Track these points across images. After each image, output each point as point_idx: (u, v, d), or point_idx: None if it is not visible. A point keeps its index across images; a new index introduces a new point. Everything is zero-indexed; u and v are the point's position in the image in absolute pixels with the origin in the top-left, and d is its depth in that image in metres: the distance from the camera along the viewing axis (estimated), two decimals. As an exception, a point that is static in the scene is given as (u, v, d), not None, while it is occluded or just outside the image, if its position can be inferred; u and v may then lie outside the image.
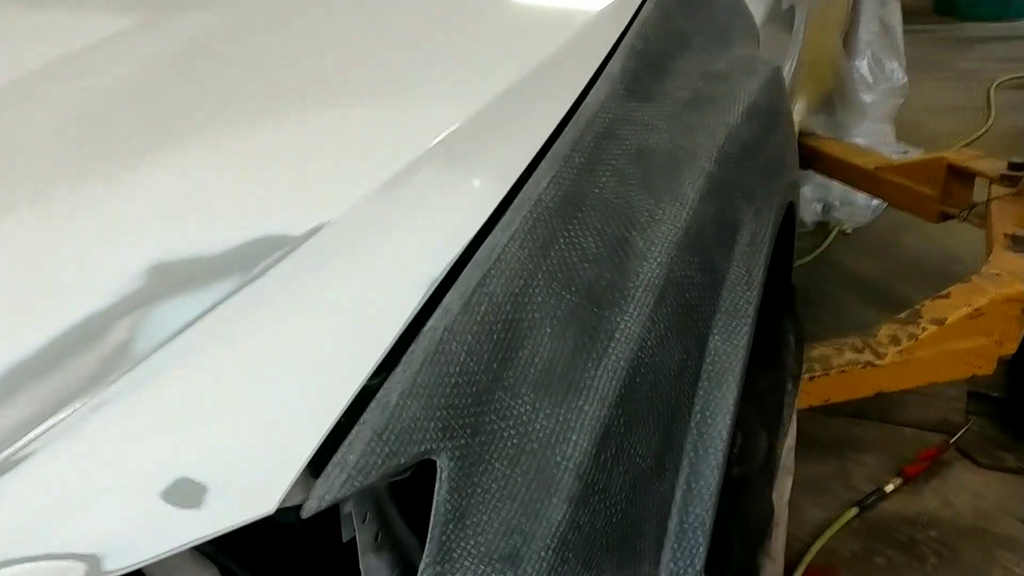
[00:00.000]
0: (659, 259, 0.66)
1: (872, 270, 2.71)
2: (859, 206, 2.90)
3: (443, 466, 0.51)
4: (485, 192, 0.64)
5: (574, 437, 0.57)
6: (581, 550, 0.55)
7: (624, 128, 0.73)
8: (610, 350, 0.61)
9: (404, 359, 0.53)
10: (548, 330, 0.59)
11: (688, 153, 0.75)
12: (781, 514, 0.95)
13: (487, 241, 0.60)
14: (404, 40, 0.79)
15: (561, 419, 0.57)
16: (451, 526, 0.51)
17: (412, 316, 0.55)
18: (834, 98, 2.71)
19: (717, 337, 0.69)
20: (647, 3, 0.90)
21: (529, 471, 0.55)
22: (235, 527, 0.45)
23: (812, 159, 2.49)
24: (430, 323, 0.55)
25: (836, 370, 1.48)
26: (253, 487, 0.46)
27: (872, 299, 2.54)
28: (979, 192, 2.07)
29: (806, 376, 1.47)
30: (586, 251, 0.64)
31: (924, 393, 1.87)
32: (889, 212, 2.83)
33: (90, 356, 0.51)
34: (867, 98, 2.94)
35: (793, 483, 1.79)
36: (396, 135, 0.67)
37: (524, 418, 0.56)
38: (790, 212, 1.00)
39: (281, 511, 0.47)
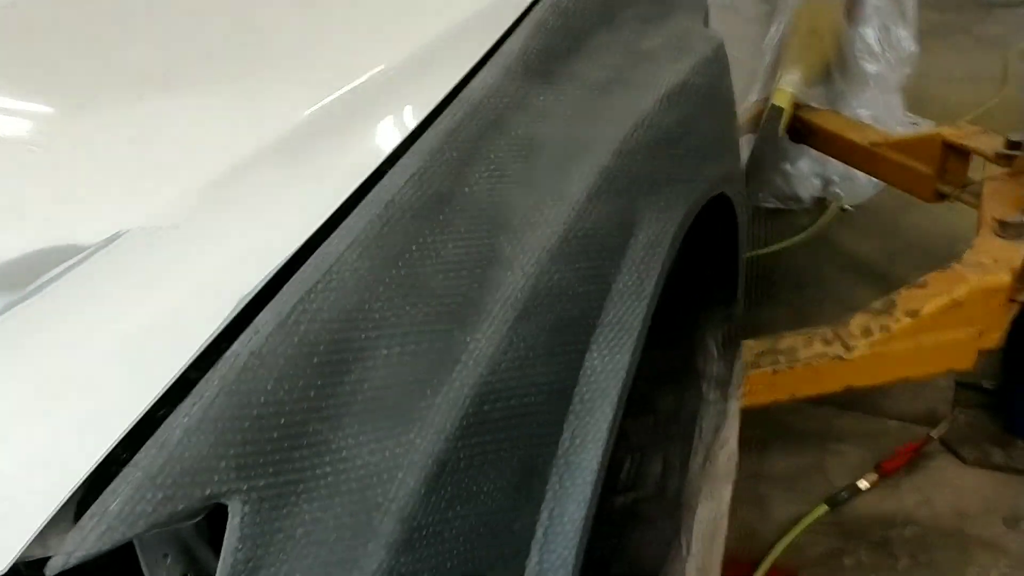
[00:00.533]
0: (527, 269, 0.59)
1: (872, 250, 2.60)
2: (859, 182, 2.77)
3: (234, 511, 0.45)
4: (324, 193, 0.57)
5: (401, 475, 0.50)
6: None
7: (515, 117, 0.66)
8: (455, 375, 0.54)
9: (196, 389, 0.46)
10: (384, 352, 0.52)
11: (584, 145, 0.67)
12: (719, 525, 0.88)
13: (319, 250, 0.54)
14: (253, 18, 0.72)
15: (388, 454, 0.50)
16: (241, 578, 0.45)
17: (212, 338, 0.48)
18: (832, 67, 2.58)
19: (596, 355, 0.61)
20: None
21: (344, 514, 0.48)
22: None
23: (805, 133, 2.38)
24: (233, 347, 0.48)
25: (802, 363, 1.40)
26: None
27: (870, 281, 2.43)
28: (977, 171, 1.96)
29: (769, 370, 1.39)
30: (444, 260, 0.57)
31: (914, 383, 1.79)
32: (891, 188, 2.72)
33: None
34: (871, 68, 2.80)
35: (765, 478, 1.73)
36: (228, 129, 0.60)
37: (344, 453, 0.49)
38: (731, 204, 0.92)
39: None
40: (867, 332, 1.41)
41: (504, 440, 0.55)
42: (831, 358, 1.40)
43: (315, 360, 0.50)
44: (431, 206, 0.58)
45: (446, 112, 0.64)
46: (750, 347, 1.43)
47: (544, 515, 0.58)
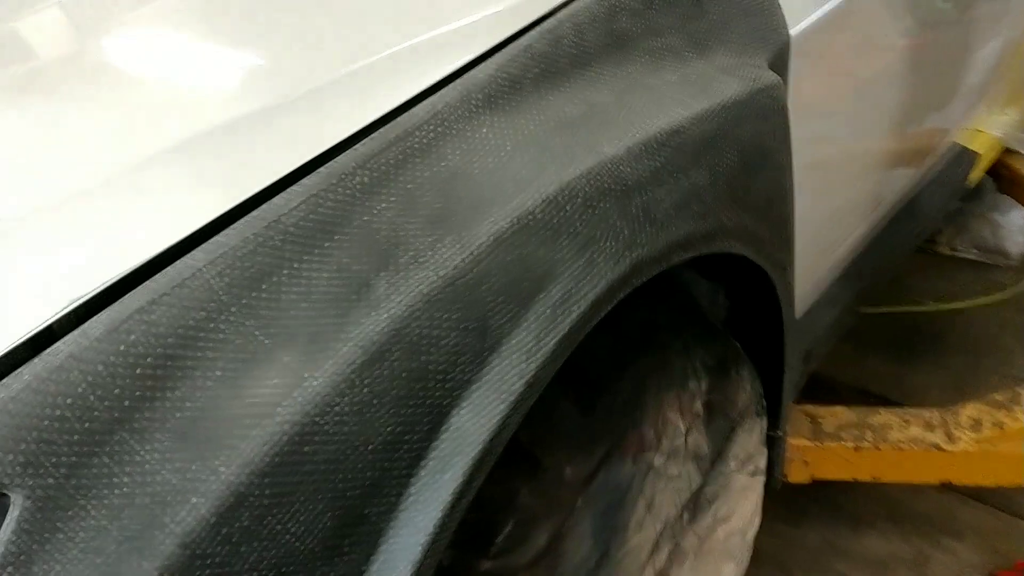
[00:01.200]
0: (394, 312, 0.56)
1: (1073, 324, 2.25)
2: (1078, 244, 2.41)
3: (15, 504, 0.47)
4: (196, 207, 0.57)
5: (194, 500, 0.50)
6: None
7: (451, 146, 0.63)
8: (278, 410, 0.53)
9: (5, 380, 0.49)
10: (218, 374, 0.52)
11: (515, 185, 0.63)
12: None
13: (178, 263, 0.54)
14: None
15: (189, 477, 0.51)
16: (10, 569, 0.47)
17: (29, 336, 0.50)
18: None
19: (465, 412, 0.58)
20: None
21: (130, 528, 0.49)
22: None
23: (1009, 183, 2.09)
24: (55, 345, 0.50)
25: (892, 445, 1.24)
26: None
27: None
28: None
29: (850, 445, 1.25)
30: (311, 290, 0.56)
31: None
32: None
33: None
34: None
35: (852, 557, 1.56)
36: (125, 134, 0.62)
37: (146, 467, 0.50)
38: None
39: None
40: (977, 425, 1.23)
41: (324, 484, 0.54)
42: (927, 446, 1.23)
43: (138, 371, 0.50)
44: (317, 232, 0.57)
45: (377, 133, 0.62)
46: (835, 414, 1.29)
47: (373, 568, 0.56)
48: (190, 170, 0.59)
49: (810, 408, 1.33)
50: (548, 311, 0.61)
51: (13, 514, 0.47)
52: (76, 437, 0.48)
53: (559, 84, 0.71)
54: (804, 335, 1.33)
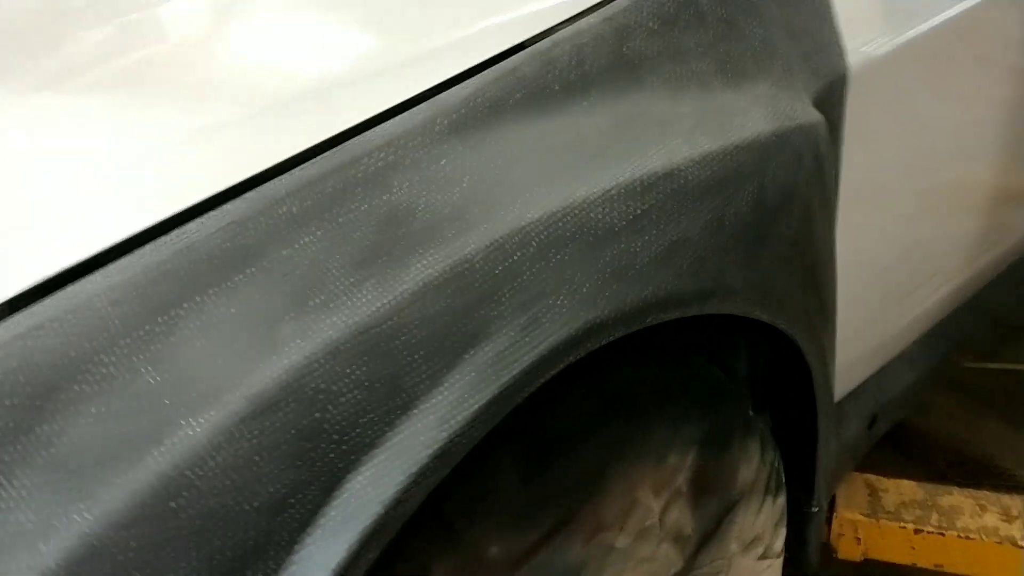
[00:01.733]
0: (293, 359, 0.51)
1: None
2: None
3: None
4: (106, 224, 0.54)
5: (43, 547, 0.47)
6: None
7: (399, 178, 0.57)
8: (148, 458, 0.48)
9: None
10: (93, 411, 0.49)
11: (462, 226, 0.56)
12: None
13: (75, 285, 0.51)
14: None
15: (44, 521, 0.47)
16: None
17: None
18: None
19: (363, 478, 0.52)
20: (608, 8, 0.69)
21: None
22: None
23: None
24: None
25: (959, 533, 1.09)
26: None
27: None
28: None
29: (910, 527, 1.11)
30: (211, 327, 0.51)
31: None
32: None
33: None
34: None
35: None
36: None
37: (4, 504, 0.47)
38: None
39: None
40: (1064, 524, 1.06)
41: (195, 543, 0.49)
42: (1000, 539, 1.08)
43: (7, 402, 0.47)
44: (231, 263, 0.52)
45: (320, 157, 0.57)
46: (900, 489, 1.15)
47: None
48: (109, 185, 0.55)
49: (872, 479, 1.19)
50: (473, 374, 0.54)
51: None
52: None
53: (546, 112, 0.63)
54: (871, 397, 1.20)
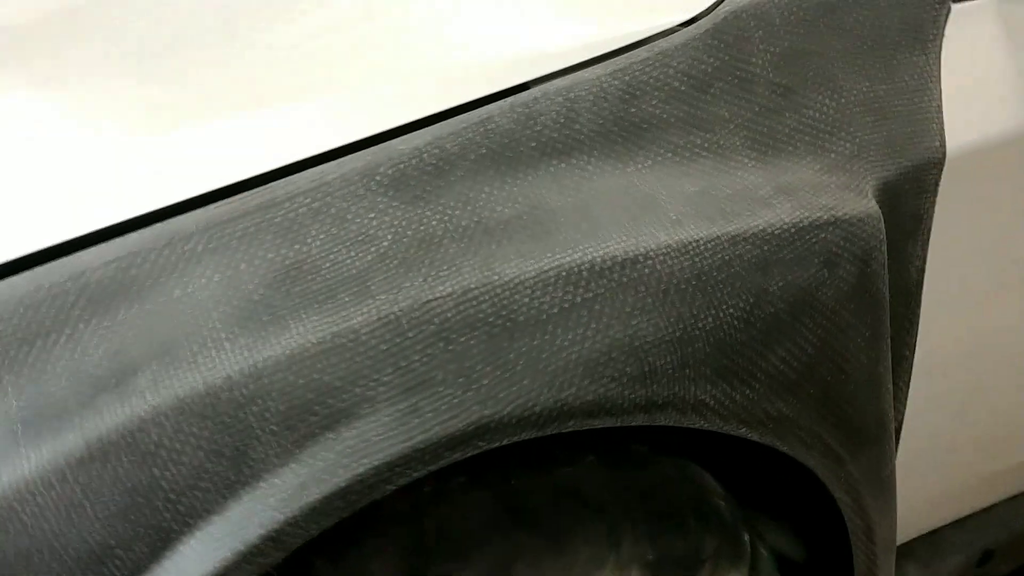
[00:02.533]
0: (136, 410, 0.49)
1: None
2: None
3: None
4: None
5: None
6: None
7: (318, 229, 0.53)
8: None
9: None
10: None
11: (360, 293, 0.52)
12: None
13: None
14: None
15: None
16: None
17: None
18: None
19: (194, 545, 0.49)
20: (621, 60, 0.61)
21: None
22: None
23: None
24: None
25: None
26: None
27: None
28: None
29: None
30: (80, 363, 0.50)
31: None
32: None
33: None
34: None
35: None
36: None
37: None
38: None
39: None
40: None
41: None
42: None
43: None
44: (117, 298, 0.51)
45: (243, 195, 0.54)
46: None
47: None
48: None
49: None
50: (328, 458, 0.49)
51: None
52: None
53: (507, 174, 0.56)
54: (985, 529, 1.01)
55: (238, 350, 0.50)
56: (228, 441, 0.48)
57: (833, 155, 0.63)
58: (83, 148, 0.59)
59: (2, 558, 0.47)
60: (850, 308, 0.61)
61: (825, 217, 0.60)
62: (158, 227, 0.53)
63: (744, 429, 0.59)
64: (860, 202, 0.62)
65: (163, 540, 0.48)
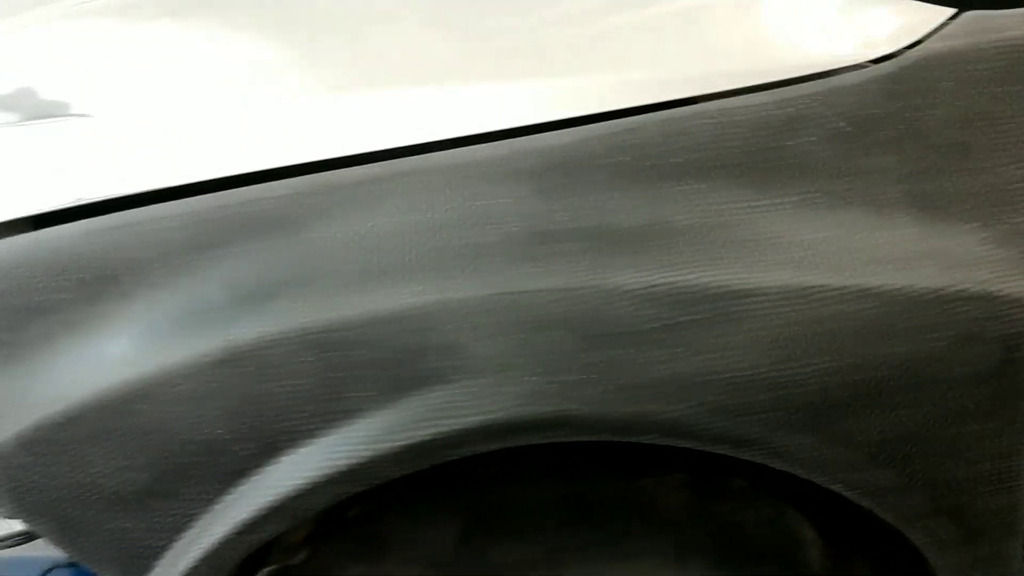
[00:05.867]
0: (266, 329, 0.57)
1: None
2: None
3: None
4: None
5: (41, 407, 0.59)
6: None
7: (449, 200, 0.58)
8: (140, 362, 0.58)
9: None
10: (134, 309, 0.60)
11: (470, 270, 0.56)
12: None
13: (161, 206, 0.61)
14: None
15: (27, 396, 0.60)
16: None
17: None
18: None
19: (293, 457, 0.56)
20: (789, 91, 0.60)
21: None
22: None
23: None
24: None
25: None
26: None
27: None
28: None
29: None
30: (229, 273, 0.59)
31: None
32: None
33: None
34: None
35: None
36: None
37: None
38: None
39: None
40: None
41: (141, 442, 0.58)
42: None
43: (82, 276, 0.60)
44: (272, 229, 0.59)
45: (387, 163, 0.60)
46: None
47: (174, 547, 0.59)
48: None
49: None
50: (419, 412, 0.53)
51: None
52: (23, 303, 0.59)
53: (644, 184, 0.57)
54: None
55: (360, 297, 0.55)
56: (335, 376, 0.54)
57: (1006, 227, 0.59)
58: (284, 95, 0.66)
59: (142, 426, 0.56)
60: (982, 392, 0.57)
61: (974, 291, 0.56)
62: (318, 176, 0.59)
63: (838, 486, 0.58)
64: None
65: (269, 448, 0.56)
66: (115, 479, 0.57)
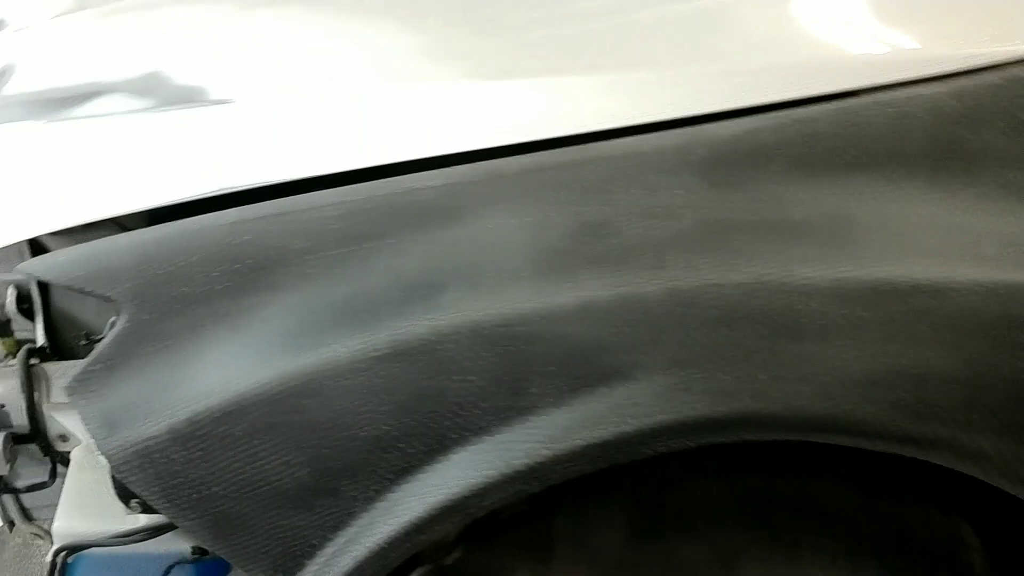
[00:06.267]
0: (438, 323, 0.56)
1: None
2: None
3: (120, 320, 0.60)
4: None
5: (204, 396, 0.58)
6: None
7: (625, 193, 0.57)
8: (305, 355, 0.57)
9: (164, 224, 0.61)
10: (288, 300, 0.59)
11: (650, 265, 0.54)
12: None
13: (315, 194, 0.59)
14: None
15: (215, 375, 0.58)
16: (99, 367, 0.60)
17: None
18: None
19: (464, 455, 0.55)
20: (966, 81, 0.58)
21: (167, 385, 0.59)
22: None
23: None
24: (207, 215, 0.60)
25: None
26: None
27: None
28: None
29: None
30: (392, 267, 0.57)
31: None
32: None
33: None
34: None
35: None
36: None
37: (197, 347, 0.59)
38: None
39: None
40: None
41: (308, 440, 0.56)
42: None
43: (235, 266, 0.58)
44: (432, 219, 0.58)
45: (554, 152, 0.58)
46: None
47: (336, 542, 0.58)
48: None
49: None
50: (601, 411, 0.52)
51: (115, 328, 0.59)
52: (173, 293, 0.58)
53: (822, 177, 0.56)
54: None
55: (535, 290, 0.53)
56: (511, 371, 0.53)
57: None
58: (424, 84, 0.65)
59: (306, 422, 0.54)
60: None
61: None
62: (480, 164, 0.58)
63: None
64: None
65: (439, 445, 0.54)
66: (276, 475, 0.56)
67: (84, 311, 0.80)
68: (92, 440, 0.58)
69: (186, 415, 0.56)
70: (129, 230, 0.64)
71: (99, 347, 0.59)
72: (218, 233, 0.58)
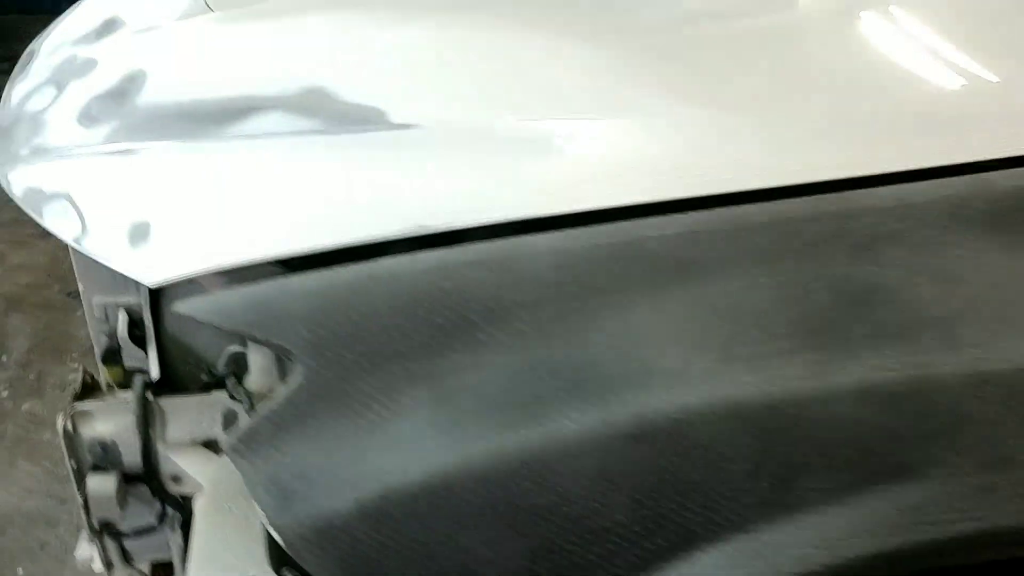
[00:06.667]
0: (689, 399, 0.47)
1: None
2: None
3: (298, 373, 0.52)
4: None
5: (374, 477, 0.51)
6: None
7: (894, 253, 0.49)
8: (525, 429, 0.49)
9: (338, 269, 0.53)
10: (497, 360, 0.51)
11: (940, 336, 0.46)
12: None
13: (528, 237, 0.52)
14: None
15: (411, 438, 0.51)
16: (274, 420, 0.52)
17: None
18: None
19: (714, 557, 0.46)
20: None
21: (345, 455, 0.52)
22: None
23: None
24: (387, 259, 0.53)
25: None
26: None
27: None
28: None
29: None
30: (624, 328, 0.50)
31: None
32: None
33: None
34: None
35: None
36: None
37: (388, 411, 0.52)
38: None
39: None
40: None
41: (525, 524, 0.48)
42: None
43: (435, 319, 0.50)
44: (664, 275, 0.51)
45: (806, 199, 0.51)
46: None
47: None
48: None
49: None
50: (890, 515, 0.44)
51: (290, 384, 0.51)
52: (360, 347, 0.50)
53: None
54: None
55: (804, 364, 0.46)
56: (777, 461, 0.45)
57: None
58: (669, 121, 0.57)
59: (519, 510, 0.47)
60: None
61: None
62: (720, 211, 0.50)
63: None
64: None
65: (684, 541, 0.46)
66: (483, 566, 0.48)
67: (198, 341, 0.72)
68: (260, 511, 0.51)
69: (377, 490, 0.48)
70: (288, 270, 0.56)
71: (269, 404, 0.52)
72: (415, 280, 0.50)
